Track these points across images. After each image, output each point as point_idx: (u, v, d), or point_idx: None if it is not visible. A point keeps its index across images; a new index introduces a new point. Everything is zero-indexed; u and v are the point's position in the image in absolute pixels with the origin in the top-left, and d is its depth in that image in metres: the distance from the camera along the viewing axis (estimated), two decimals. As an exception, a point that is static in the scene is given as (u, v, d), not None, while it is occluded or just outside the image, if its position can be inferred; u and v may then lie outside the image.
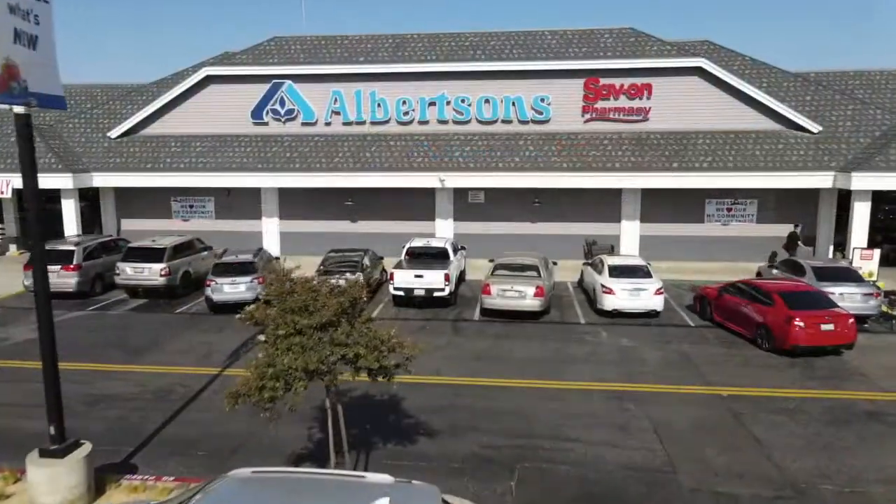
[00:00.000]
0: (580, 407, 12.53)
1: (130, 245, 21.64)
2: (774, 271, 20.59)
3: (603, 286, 18.65)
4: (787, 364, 14.88)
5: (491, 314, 18.81)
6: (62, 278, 20.60)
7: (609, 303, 18.48)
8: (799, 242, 23.93)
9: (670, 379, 14.03)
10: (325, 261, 21.09)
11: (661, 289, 18.44)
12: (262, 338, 8.60)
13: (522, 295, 18.16)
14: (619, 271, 19.07)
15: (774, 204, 25.07)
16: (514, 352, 15.95)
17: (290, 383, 7.95)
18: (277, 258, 23.94)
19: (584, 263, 22.35)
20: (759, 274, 22.01)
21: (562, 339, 16.89)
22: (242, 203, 27.07)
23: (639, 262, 19.97)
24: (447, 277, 19.41)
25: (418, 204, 26.08)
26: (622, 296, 18.35)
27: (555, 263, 21.64)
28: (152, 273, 20.62)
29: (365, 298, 9.08)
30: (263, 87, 26.31)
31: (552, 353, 15.87)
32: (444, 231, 25.95)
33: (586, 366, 14.90)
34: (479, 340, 16.91)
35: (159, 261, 20.70)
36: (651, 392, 13.30)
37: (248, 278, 19.51)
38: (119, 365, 15.05)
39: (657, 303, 18.38)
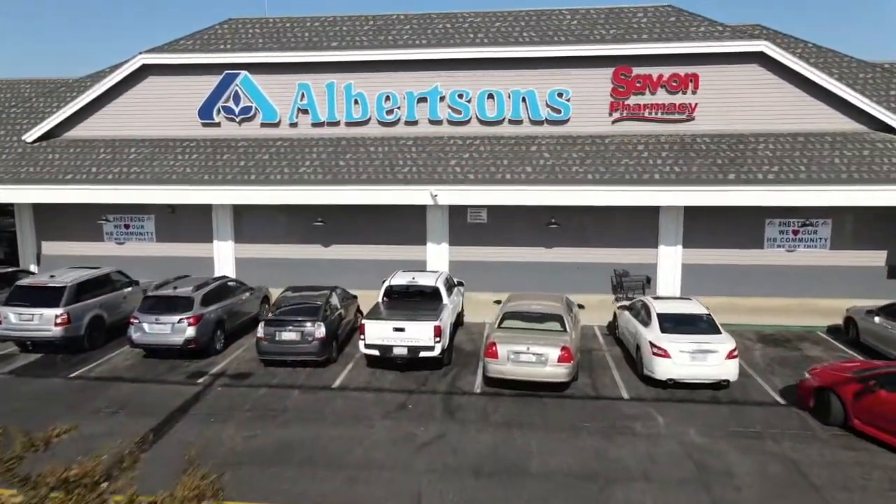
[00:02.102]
0: None
1: (18, 283, 16.37)
2: (877, 319, 15.42)
3: (653, 345, 13.42)
4: (959, 488, 9.67)
5: (498, 384, 13.63)
6: (-76, 328, 15.52)
7: (663, 370, 13.23)
8: None
9: (787, 522, 8.84)
10: (279, 303, 15.98)
11: (734, 350, 13.21)
12: None
13: (542, 359, 12.95)
14: (673, 323, 13.88)
15: (853, 225, 19.92)
16: (533, 458, 10.69)
17: None
18: (266, 296, 19.38)
19: (620, 306, 17.01)
20: (848, 320, 16.82)
21: (601, 432, 11.65)
22: (189, 222, 21.92)
23: (697, 308, 14.73)
24: (438, 331, 14.15)
25: (405, 225, 20.96)
26: (681, 360, 13.10)
27: (581, 307, 16.46)
28: (44, 321, 15.38)
29: None
30: (214, 80, 21.19)
31: (590, 459, 10.63)
32: (436, 258, 20.80)
33: (646, 491, 9.65)
34: (480, 433, 11.67)
35: (55, 304, 15.46)
36: (764, 554, 8.12)
37: (175, 317, 15.13)
38: (-71, 486, 9.85)
39: (731, 371, 13.12)
